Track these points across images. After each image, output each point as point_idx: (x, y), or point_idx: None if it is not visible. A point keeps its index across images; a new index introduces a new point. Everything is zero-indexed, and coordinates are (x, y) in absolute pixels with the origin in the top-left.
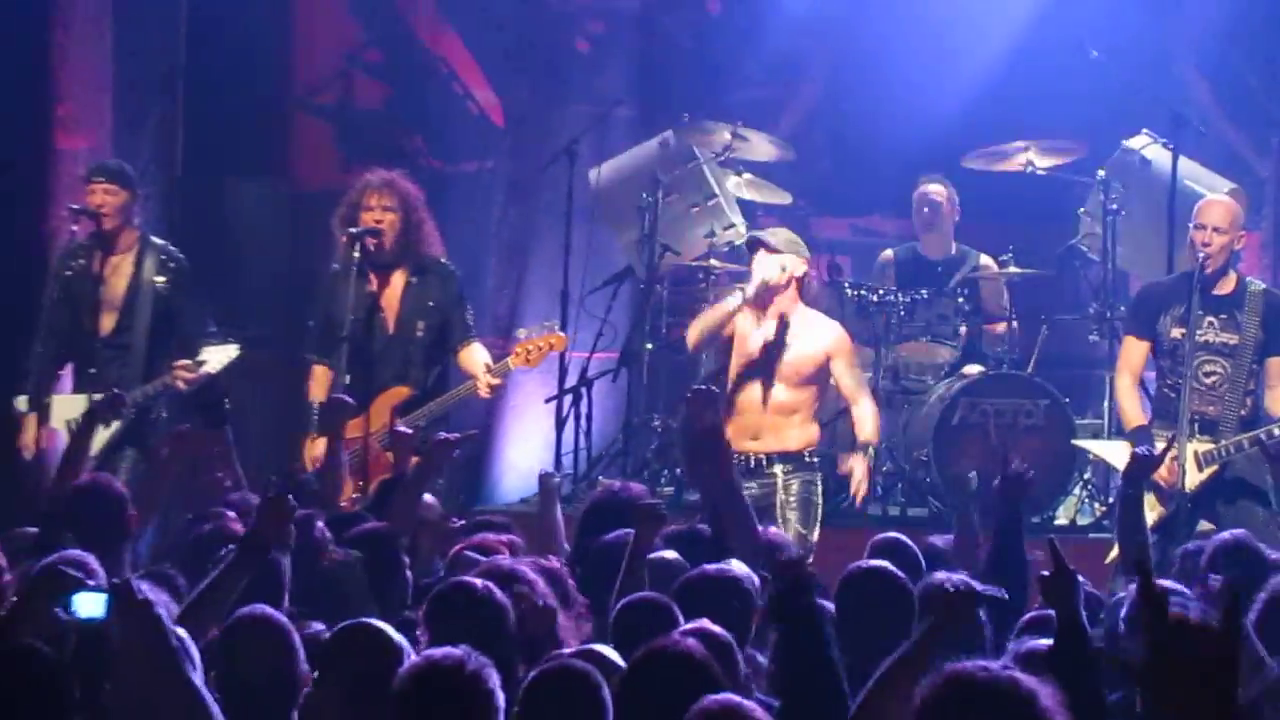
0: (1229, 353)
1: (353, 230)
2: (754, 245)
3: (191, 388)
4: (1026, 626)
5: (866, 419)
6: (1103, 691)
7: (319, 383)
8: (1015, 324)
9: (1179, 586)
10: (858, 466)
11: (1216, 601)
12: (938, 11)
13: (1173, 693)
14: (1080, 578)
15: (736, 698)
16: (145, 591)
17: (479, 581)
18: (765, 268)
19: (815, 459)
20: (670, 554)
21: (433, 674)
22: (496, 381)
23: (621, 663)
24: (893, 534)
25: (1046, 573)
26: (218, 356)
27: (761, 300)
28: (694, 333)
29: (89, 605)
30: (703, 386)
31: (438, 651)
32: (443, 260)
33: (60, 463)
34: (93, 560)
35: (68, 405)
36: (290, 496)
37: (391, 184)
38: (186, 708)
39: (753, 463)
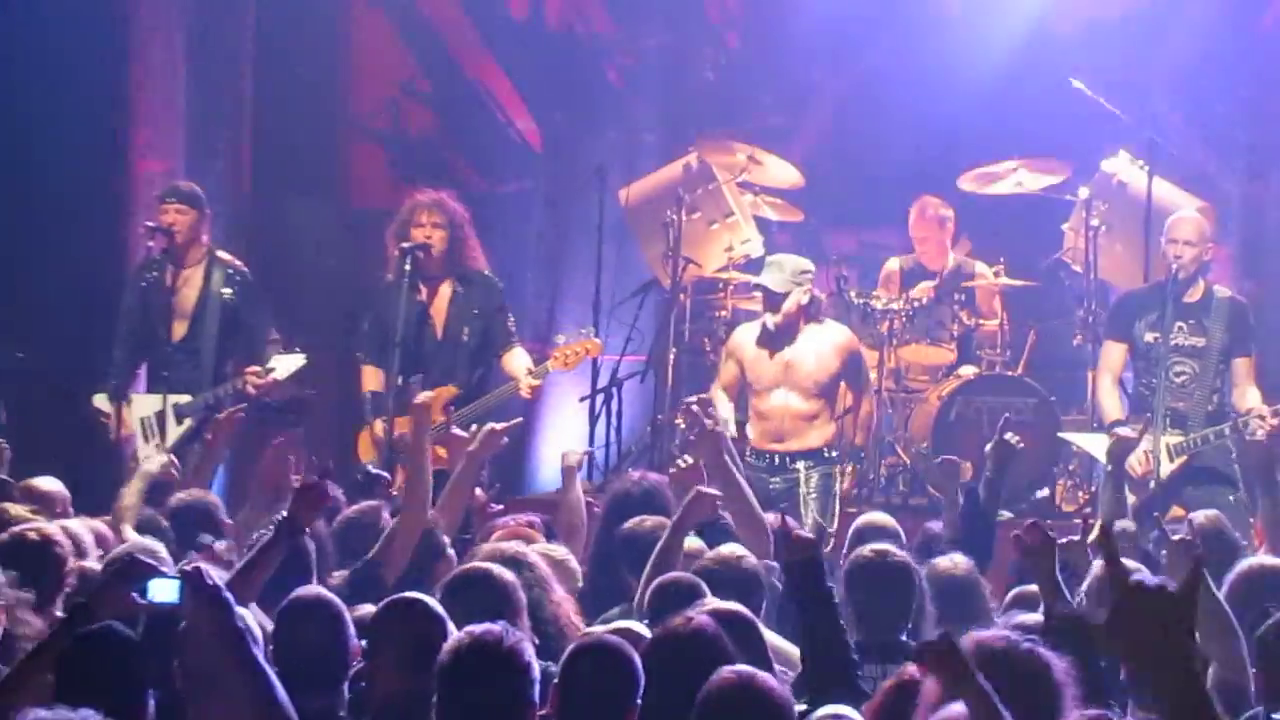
0: (1197, 354)
1: (405, 245)
2: (760, 290)
3: (260, 392)
4: (1014, 602)
5: (863, 421)
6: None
7: (371, 377)
8: (1005, 326)
9: (1140, 567)
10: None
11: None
12: (935, 44)
13: (1131, 650)
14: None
15: (750, 668)
16: (213, 577)
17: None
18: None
19: (834, 453)
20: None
21: (474, 648)
22: (536, 383)
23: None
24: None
25: (1019, 534)
26: (286, 364)
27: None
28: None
29: (163, 590)
30: (693, 399)
31: (478, 628)
32: (486, 272)
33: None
34: (162, 549)
35: (142, 404)
36: (325, 485)
37: (440, 203)
38: (250, 682)
39: (777, 460)
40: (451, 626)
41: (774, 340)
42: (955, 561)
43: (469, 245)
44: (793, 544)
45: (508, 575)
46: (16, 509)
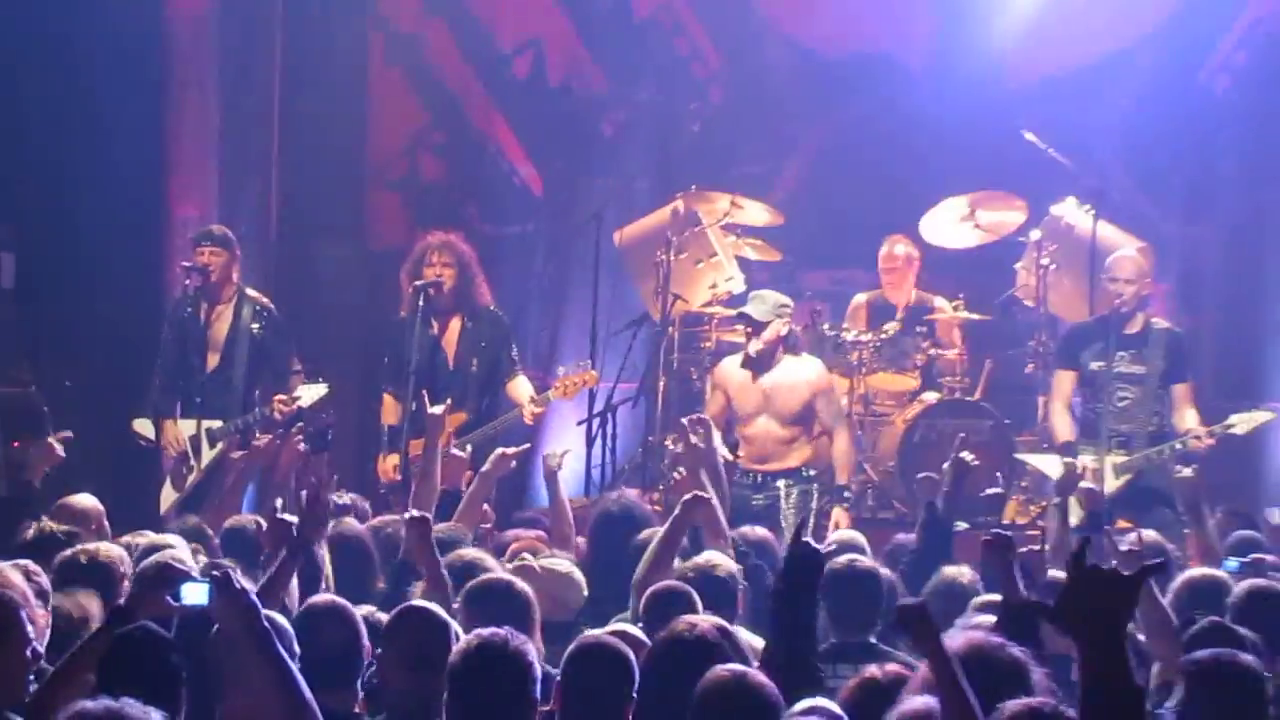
0: (1138, 381)
1: (418, 283)
2: (741, 316)
3: (285, 418)
4: (978, 607)
5: (841, 459)
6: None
7: (390, 410)
8: (964, 355)
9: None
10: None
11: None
12: (901, 99)
13: (1075, 618)
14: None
15: (743, 667)
16: (241, 581)
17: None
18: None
19: (812, 472)
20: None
21: (482, 649)
22: (539, 410)
23: (646, 639)
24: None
25: (987, 537)
26: (310, 394)
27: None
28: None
29: (194, 594)
30: (696, 415)
31: (485, 631)
32: (493, 308)
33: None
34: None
35: (179, 429)
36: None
37: (449, 244)
38: (276, 679)
39: (760, 479)
40: (459, 630)
41: (755, 366)
42: (960, 571)
43: (477, 283)
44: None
45: (525, 586)
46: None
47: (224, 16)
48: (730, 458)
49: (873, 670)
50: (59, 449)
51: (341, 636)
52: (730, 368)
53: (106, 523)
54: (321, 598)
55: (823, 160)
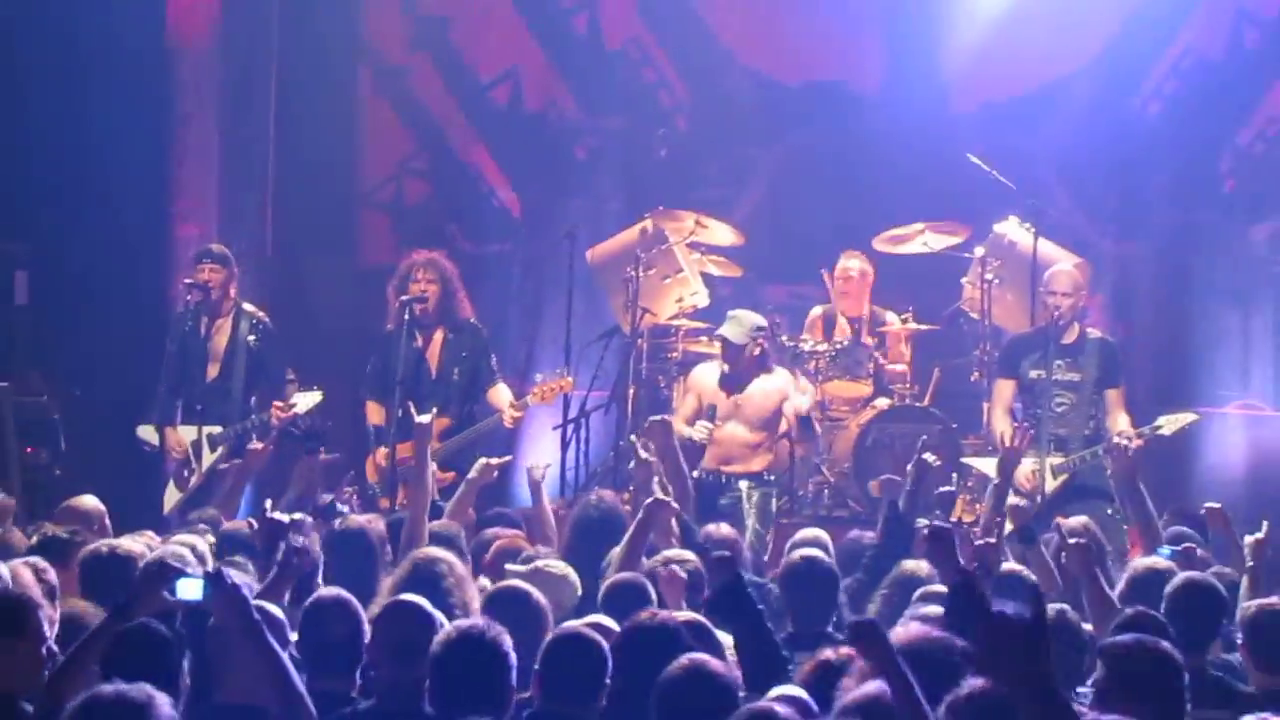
0: (1074, 388)
1: (404, 298)
2: (720, 339)
3: (282, 424)
4: (921, 597)
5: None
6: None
7: (374, 413)
8: (911, 366)
9: (1019, 568)
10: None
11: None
12: (854, 124)
13: (1001, 677)
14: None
15: (703, 656)
16: (234, 577)
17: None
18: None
19: (772, 476)
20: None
21: (461, 638)
22: (518, 414)
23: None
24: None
25: (925, 530)
26: (306, 400)
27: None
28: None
29: (189, 589)
30: (660, 418)
31: (465, 622)
32: (473, 321)
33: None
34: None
35: (182, 435)
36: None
37: (433, 262)
38: (269, 669)
39: (725, 480)
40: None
41: (729, 383)
42: (919, 565)
43: (458, 298)
44: (712, 566)
45: (541, 597)
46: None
47: (224, 50)
48: (708, 430)
49: (827, 653)
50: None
51: (344, 628)
52: (705, 374)
53: (108, 522)
54: (328, 591)
55: (781, 182)
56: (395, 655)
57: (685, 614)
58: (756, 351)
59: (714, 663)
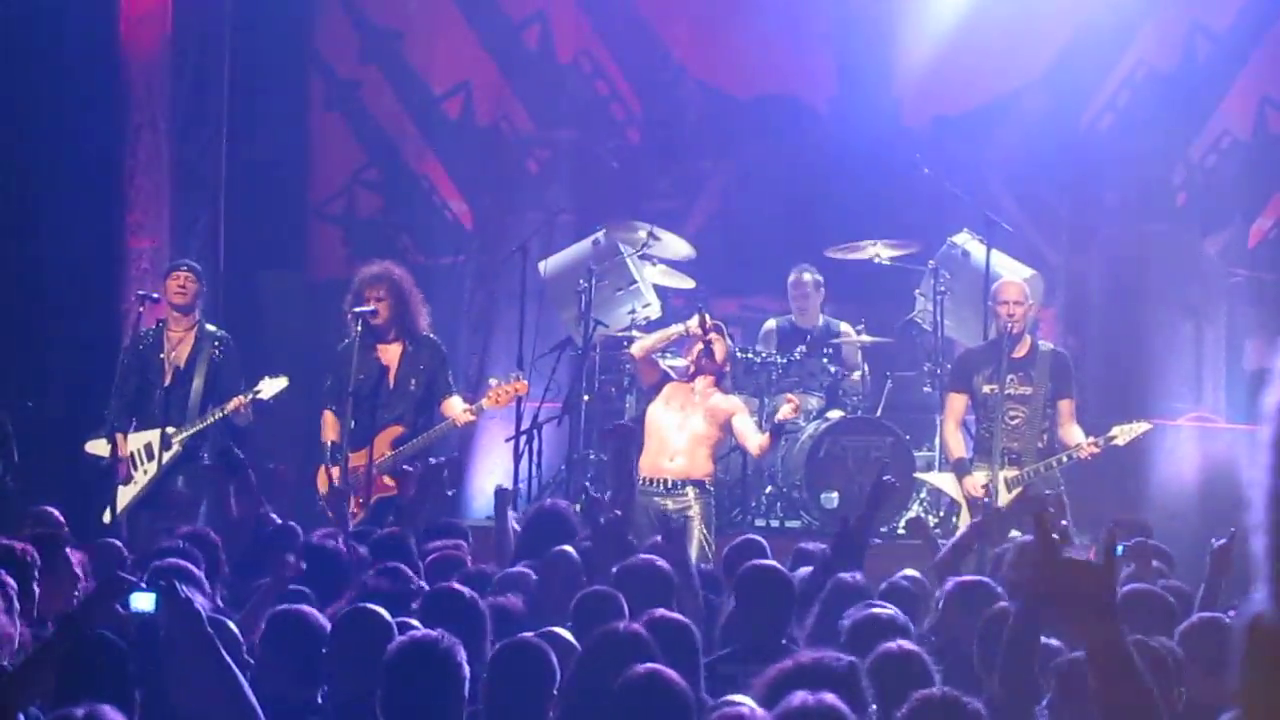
0: (1026, 401)
1: (355, 310)
2: (715, 328)
3: (239, 419)
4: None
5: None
6: None
7: (330, 426)
8: (866, 376)
9: (989, 580)
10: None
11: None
12: (807, 137)
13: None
14: None
15: (657, 666)
16: (185, 590)
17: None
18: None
19: (712, 487)
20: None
21: (414, 649)
22: (472, 418)
23: (574, 641)
24: (751, 536)
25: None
26: (271, 386)
27: (700, 341)
28: (638, 345)
29: (142, 602)
30: (623, 423)
31: (419, 631)
32: (432, 336)
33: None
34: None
35: (135, 440)
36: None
37: (382, 276)
38: (221, 681)
39: (670, 484)
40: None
41: (689, 375)
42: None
43: (414, 308)
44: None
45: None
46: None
47: (176, 62)
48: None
49: (785, 665)
50: None
51: (305, 640)
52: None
53: (66, 530)
54: (286, 608)
55: (733, 195)
56: (351, 665)
57: (670, 614)
58: (727, 367)
59: (669, 673)
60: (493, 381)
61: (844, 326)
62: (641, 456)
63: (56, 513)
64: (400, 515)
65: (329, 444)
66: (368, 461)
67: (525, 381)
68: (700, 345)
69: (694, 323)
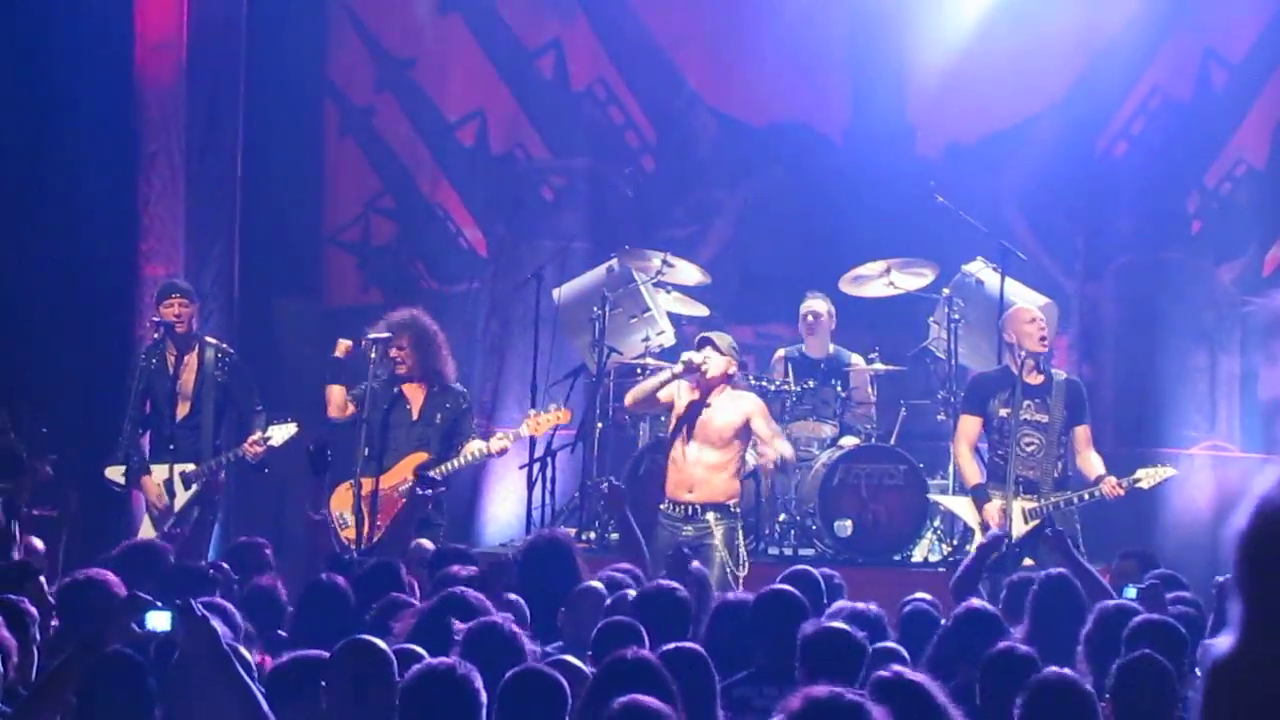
0: (1042, 429)
1: (373, 337)
2: (702, 342)
3: (258, 459)
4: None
5: (782, 445)
6: None
7: (334, 402)
8: (873, 403)
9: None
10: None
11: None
12: (821, 165)
13: None
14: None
15: (641, 696)
16: (202, 609)
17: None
18: (696, 354)
19: (738, 508)
20: (596, 583)
21: (432, 676)
22: (506, 444)
23: (584, 668)
24: (801, 567)
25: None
26: (281, 433)
27: (691, 378)
28: (630, 395)
29: (159, 621)
30: (618, 485)
31: (435, 660)
32: (456, 386)
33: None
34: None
35: (157, 474)
36: None
37: (406, 326)
38: (239, 701)
39: (689, 510)
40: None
41: (693, 403)
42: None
43: (440, 357)
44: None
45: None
46: None
47: (191, 89)
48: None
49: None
50: (48, 469)
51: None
52: (684, 387)
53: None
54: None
55: (746, 223)
56: (351, 695)
57: (685, 645)
58: (732, 370)
59: (652, 701)
60: (531, 411)
61: (854, 358)
62: (665, 483)
63: (39, 541)
64: (383, 543)
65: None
66: (388, 486)
67: (569, 411)
68: (699, 374)
69: (679, 367)
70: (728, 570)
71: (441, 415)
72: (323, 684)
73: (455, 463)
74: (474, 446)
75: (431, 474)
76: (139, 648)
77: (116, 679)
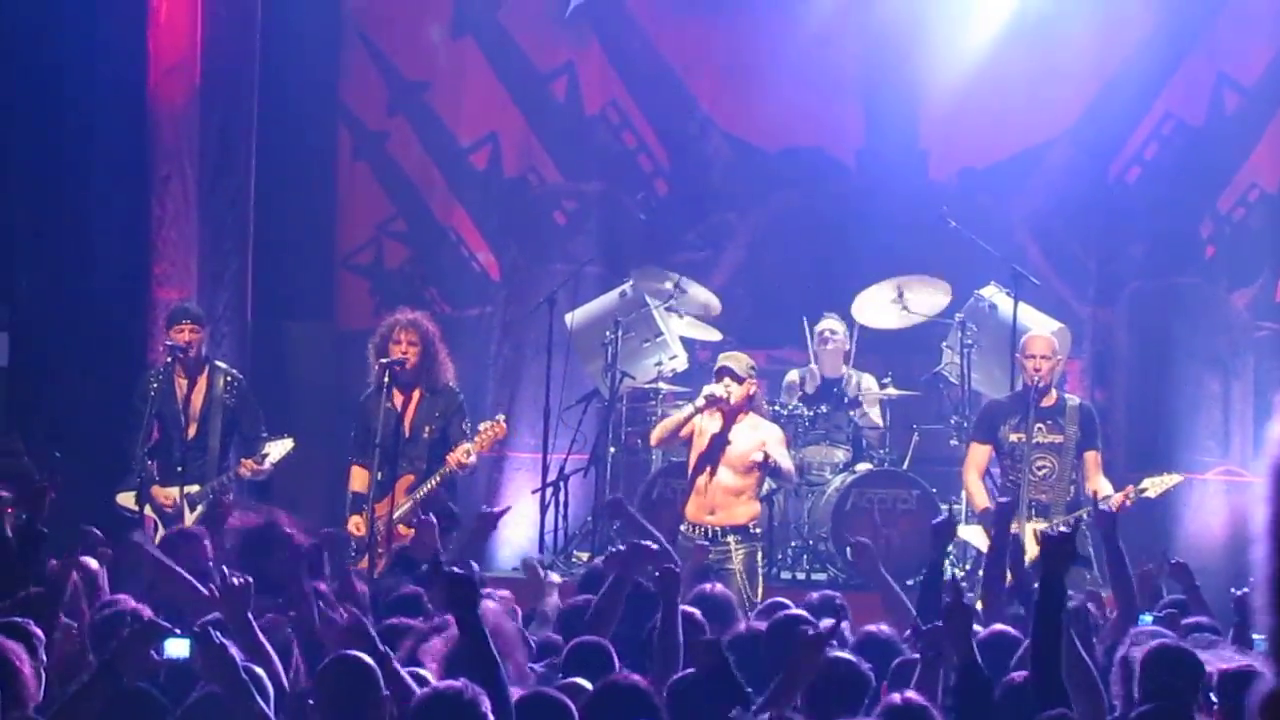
0: (1056, 450)
1: (383, 360)
2: (721, 372)
3: (256, 477)
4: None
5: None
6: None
7: (358, 478)
8: (882, 426)
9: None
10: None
11: None
12: (833, 190)
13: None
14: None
15: None
16: (220, 636)
17: None
18: (716, 386)
19: (758, 530)
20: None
21: (440, 697)
22: (467, 459)
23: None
24: (828, 591)
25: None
26: (278, 450)
27: (713, 408)
28: (655, 433)
29: (177, 648)
30: (614, 497)
31: (442, 683)
32: (451, 384)
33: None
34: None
35: (161, 493)
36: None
37: (416, 323)
38: None
39: (711, 533)
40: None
41: (721, 423)
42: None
43: (440, 360)
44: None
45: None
46: None
47: (204, 113)
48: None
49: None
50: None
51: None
52: (706, 414)
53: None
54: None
55: (759, 247)
56: (337, 714)
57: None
58: (752, 390)
59: None
60: (481, 426)
61: (867, 380)
62: (684, 506)
63: (93, 562)
64: (419, 571)
65: (352, 495)
66: (387, 511)
67: (503, 422)
68: (723, 404)
69: (701, 402)
70: (744, 595)
71: (431, 427)
72: (309, 702)
73: (433, 482)
74: (451, 460)
75: (449, 505)
76: (159, 683)
77: (135, 714)
